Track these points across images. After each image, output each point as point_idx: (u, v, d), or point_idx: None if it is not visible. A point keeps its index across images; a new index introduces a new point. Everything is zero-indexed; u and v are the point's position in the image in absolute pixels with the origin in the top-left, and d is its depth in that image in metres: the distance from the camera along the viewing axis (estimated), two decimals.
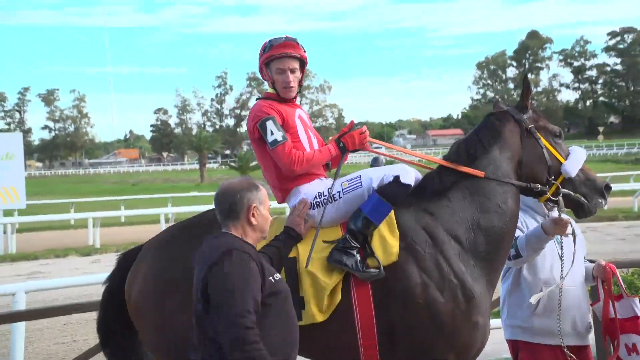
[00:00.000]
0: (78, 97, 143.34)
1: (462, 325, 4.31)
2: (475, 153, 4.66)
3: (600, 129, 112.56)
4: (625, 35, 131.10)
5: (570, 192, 4.65)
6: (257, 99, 4.91)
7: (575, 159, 4.76)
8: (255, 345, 3.28)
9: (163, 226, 24.59)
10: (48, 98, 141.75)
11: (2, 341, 10.14)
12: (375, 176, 4.47)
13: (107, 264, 18.95)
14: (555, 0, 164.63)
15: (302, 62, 4.85)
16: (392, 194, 4.38)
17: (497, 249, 4.52)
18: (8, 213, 23.70)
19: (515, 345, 5.09)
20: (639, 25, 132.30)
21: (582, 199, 4.69)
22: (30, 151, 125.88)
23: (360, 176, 4.53)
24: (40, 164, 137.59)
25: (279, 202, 4.86)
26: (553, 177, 4.65)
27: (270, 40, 4.79)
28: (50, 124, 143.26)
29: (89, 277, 11.47)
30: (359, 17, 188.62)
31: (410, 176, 4.46)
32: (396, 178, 4.40)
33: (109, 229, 26.05)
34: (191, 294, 3.67)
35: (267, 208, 3.74)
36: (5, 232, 22.57)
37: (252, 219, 3.63)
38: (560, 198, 4.62)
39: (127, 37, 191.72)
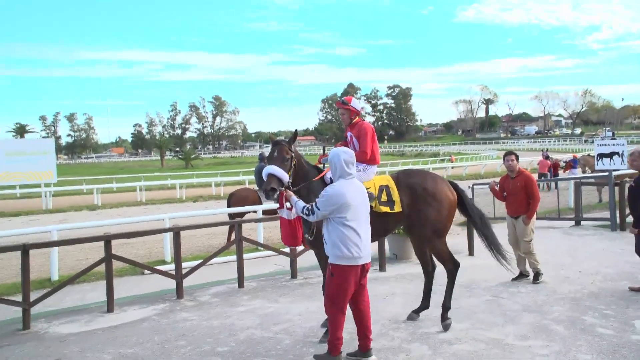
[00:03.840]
0: (88, 117, 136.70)
1: None
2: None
3: (385, 137, 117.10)
4: (395, 88, 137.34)
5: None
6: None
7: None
8: None
9: (138, 193, 24.63)
10: (70, 118, 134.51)
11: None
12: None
13: (104, 216, 19.12)
14: (358, 69, 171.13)
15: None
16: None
17: None
18: (47, 185, 23.13)
19: None
20: (401, 83, 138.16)
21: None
22: (60, 149, 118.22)
23: None
24: (66, 157, 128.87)
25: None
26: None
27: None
28: (72, 133, 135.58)
29: (96, 222, 12.13)
30: (252, 73, 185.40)
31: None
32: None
33: (106, 194, 25.67)
34: None
35: None
36: (45, 196, 22.26)
37: None
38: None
39: (115, 84, 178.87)
